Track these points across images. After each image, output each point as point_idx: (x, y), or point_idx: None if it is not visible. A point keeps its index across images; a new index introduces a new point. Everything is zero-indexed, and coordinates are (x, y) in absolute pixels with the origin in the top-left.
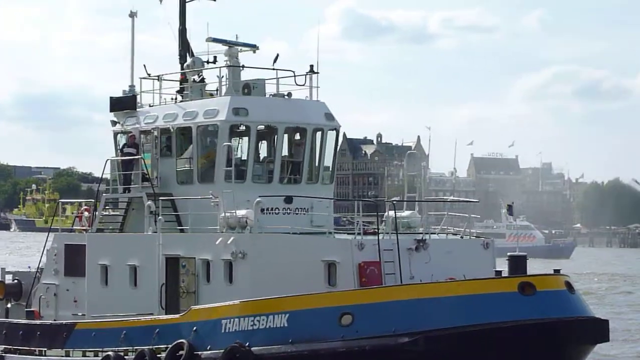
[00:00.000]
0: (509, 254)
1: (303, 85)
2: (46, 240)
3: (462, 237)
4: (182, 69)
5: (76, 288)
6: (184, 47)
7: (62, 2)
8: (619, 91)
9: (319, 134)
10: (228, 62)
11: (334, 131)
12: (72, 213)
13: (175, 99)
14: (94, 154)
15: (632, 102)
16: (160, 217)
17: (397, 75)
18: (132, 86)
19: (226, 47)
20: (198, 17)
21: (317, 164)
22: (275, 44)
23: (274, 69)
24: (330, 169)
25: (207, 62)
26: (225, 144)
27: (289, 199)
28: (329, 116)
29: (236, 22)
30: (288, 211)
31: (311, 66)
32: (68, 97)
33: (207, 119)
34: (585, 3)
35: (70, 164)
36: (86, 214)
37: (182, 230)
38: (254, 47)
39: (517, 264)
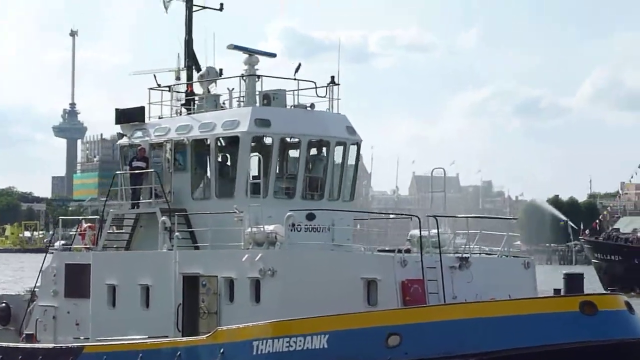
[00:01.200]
0: (564, 272)
1: (324, 97)
2: (44, 260)
3: (500, 256)
4: (188, 80)
5: (78, 310)
6: (191, 59)
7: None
8: (558, 109)
9: (340, 147)
10: (247, 71)
11: (356, 145)
12: (12, 233)
13: (180, 112)
14: (34, 172)
15: (570, 119)
16: (177, 234)
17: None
18: (72, 104)
19: (246, 56)
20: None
21: (338, 180)
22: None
23: (295, 79)
24: (351, 185)
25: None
26: (253, 155)
27: (311, 216)
28: (351, 130)
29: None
30: (310, 228)
31: (332, 77)
32: (7, 115)
33: (226, 130)
34: (521, 19)
35: (9, 184)
36: (90, 231)
37: (196, 248)
38: (272, 56)
39: (574, 283)
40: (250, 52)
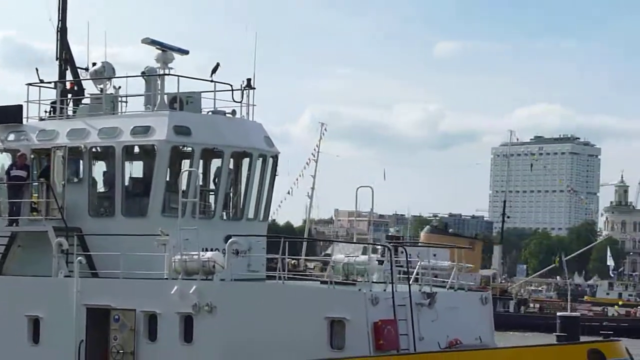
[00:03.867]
0: (559, 314)
1: (240, 102)
2: None
3: (455, 290)
4: (61, 74)
5: None
6: (67, 50)
7: None
8: None
9: (259, 160)
10: (160, 70)
11: (274, 158)
12: None
13: (58, 110)
14: None
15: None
16: (80, 258)
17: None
18: None
19: (159, 52)
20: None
21: (256, 197)
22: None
23: (212, 81)
24: (266, 203)
25: (86, 69)
26: (187, 170)
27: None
28: (269, 140)
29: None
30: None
31: (248, 80)
32: None
33: (137, 138)
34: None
35: None
36: None
37: (95, 275)
38: (185, 52)
39: (570, 326)
40: (164, 47)
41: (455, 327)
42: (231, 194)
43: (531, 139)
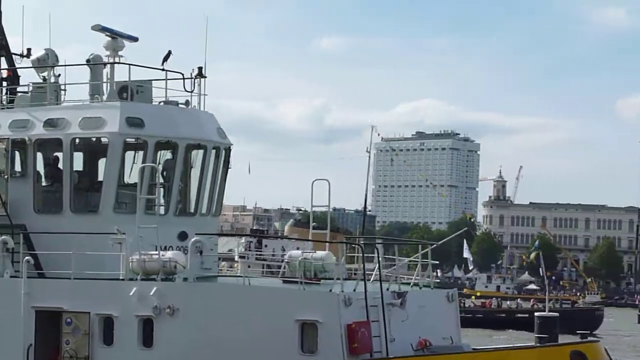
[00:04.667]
0: (537, 314)
1: (191, 91)
2: None
3: (420, 287)
4: None
5: None
6: (1, 36)
7: None
8: None
9: (213, 152)
10: (110, 58)
11: (227, 150)
12: None
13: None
14: None
15: None
16: (28, 258)
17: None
18: None
19: (108, 39)
20: None
21: (209, 191)
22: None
23: (163, 70)
24: (218, 197)
25: (22, 55)
26: (147, 165)
27: (183, 235)
28: (221, 132)
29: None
30: (182, 250)
31: (199, 68)
32: None
33: (87, 130)
34: None
35: None
36: None
37: (41, 275)
38: (134, 40)
39: (548, 326)
40: (115, 34)
41: (424, 326)
42: (182, 189)
43: (412, 135)
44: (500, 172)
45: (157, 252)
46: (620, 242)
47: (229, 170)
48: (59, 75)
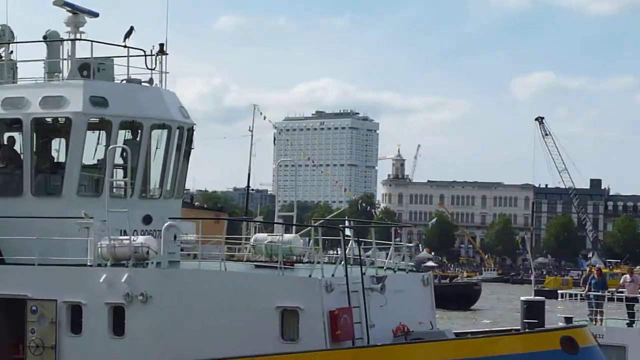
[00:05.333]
0: (523, 298)
1: (153, 69)
2: None
3: (395, 271)
4: None
5: None
6: None
7: None
8: None
9: (177, 132)
10: (71, 34)
11: (190, 131)
12: None
13: None
14: None
15: None
16: None
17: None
18: None
19: (69, 14)
20: None
21: (173, 172)
22: None
23: (125, 47)
24: (181, 178)
25: None
26: (116, 146)
27: (148, 219)
28: (184, 111)
29: None
30: (146, 233)
31: (161, 45)
32: None
33: (48, 110)
34: None
35: None
36: None
37: (1, 261)
38: (95, 15)
39: (534, 311)
40: (76, 9)
41: (401, 311)
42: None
43: (312, 114)
44: (399, 151)
45: (127, 237)
46: (516, 219)
47: (192, 151)
48: (11, 52)
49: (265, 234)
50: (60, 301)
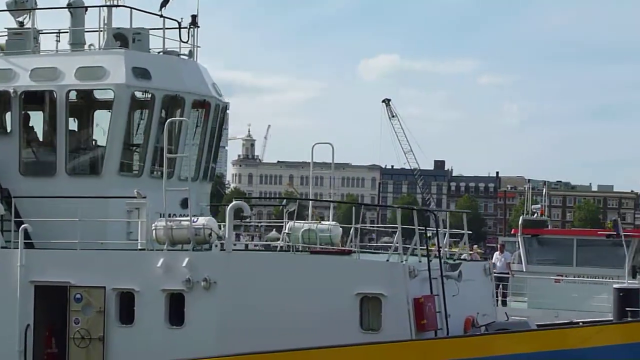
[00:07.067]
0: (615, 286)
1: (187, 41)
2: None
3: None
4: None
5: None
6: None
7: None
8: None
9: (213, 111)
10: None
11: (224, 110)
12: None
13: None
14: None
15: None
16: (26, 225)
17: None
18: None
19: None
20: None
21: (209, 153)
22: None
23: (161, 16)
24: (214, 160)
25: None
26: (176, 119)
27: (185, 203)
28: (218, 89)
29: None
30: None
31: (193, 17)
32: None
33: (86, 81)
34: None
35: None
36: None
37: (30, 245)
38: None
39: (628, 299)
40: None
41: (468, 302)
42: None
43: None
44: (249, 131)
45: (187, 219)
46: (363, 199)
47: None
48: (23, 22)
49: (299, 223)
50: (109, 288)
